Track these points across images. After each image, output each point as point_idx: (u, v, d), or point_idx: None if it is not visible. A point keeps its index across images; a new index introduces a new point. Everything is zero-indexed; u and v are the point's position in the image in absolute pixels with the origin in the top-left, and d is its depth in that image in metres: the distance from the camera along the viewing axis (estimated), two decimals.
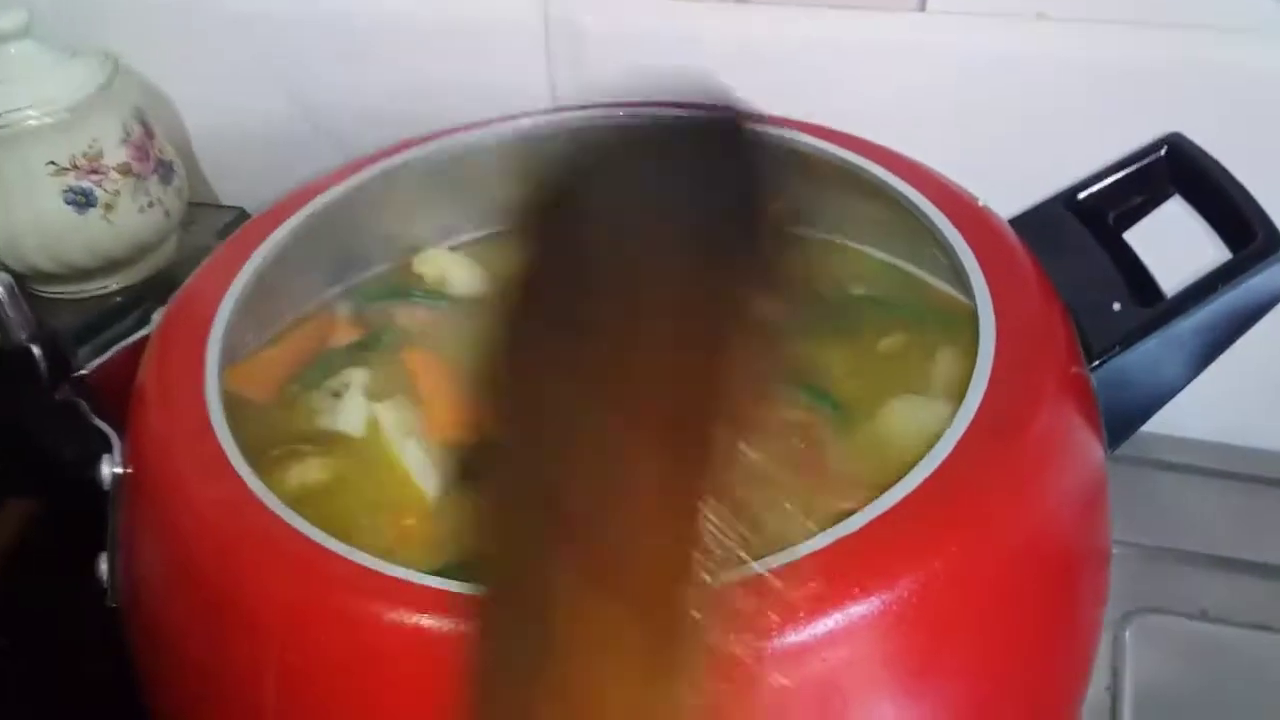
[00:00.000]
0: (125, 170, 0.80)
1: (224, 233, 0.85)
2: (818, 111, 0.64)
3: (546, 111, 0.69)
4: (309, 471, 0.54)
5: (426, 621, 0.41)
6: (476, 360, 0.33)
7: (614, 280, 0.32)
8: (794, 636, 0.40)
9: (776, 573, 0.41)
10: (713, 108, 0.34)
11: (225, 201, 0.95)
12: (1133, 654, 0.69)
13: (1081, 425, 0.51)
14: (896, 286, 0.64)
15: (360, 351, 0.61)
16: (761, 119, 0.34)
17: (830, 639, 0.41)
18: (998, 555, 0.45)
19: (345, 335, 0.63)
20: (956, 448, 0.46)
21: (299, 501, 0.51)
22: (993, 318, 0.51)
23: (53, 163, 0.77)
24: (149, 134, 0.82)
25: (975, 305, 0.53)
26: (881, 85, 0.74)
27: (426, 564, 0.48)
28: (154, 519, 0.49)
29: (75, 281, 0.82)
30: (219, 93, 0.90)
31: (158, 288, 0.80)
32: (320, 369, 0.60)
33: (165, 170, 0.83)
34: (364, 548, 0.46)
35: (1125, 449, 0.57)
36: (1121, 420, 0.55)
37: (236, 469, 0.47)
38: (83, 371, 0.61)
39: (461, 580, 0.44)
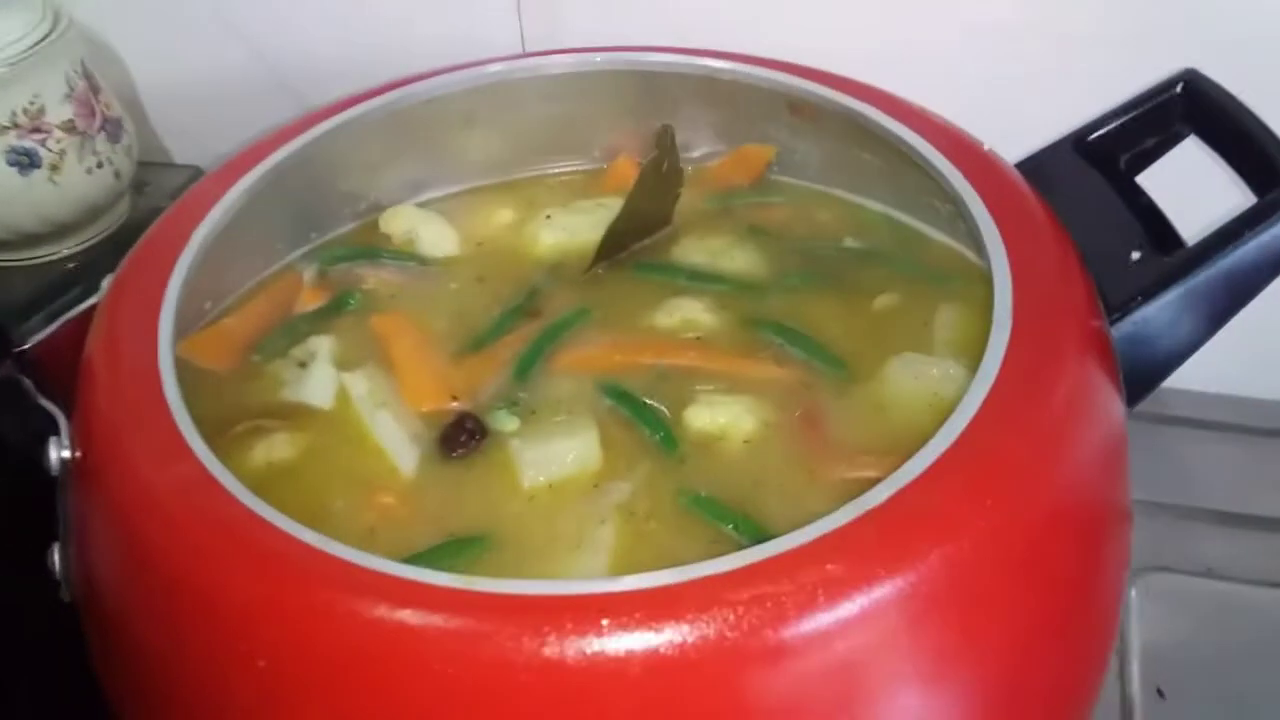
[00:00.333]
0: (70, 128, 0.77)
1: (179, 193, 0.80)
2: (807, 53, 0.62)
3: (518, 56, 0.66)
4: (275, 448, 0.52)
5: (402, 615, 0.38)
6: None
7: None
8: (810, 624, 0.38)
9: (790, 554, 0.38)
10: None
11: (180, 160, 0.92)
12: (1139, 613, 0.68)
13: (1105, 384, 0.48)
14: (893, 239, 0.62)
15: (326, 317, 0.59)
16: None
17: (851, 625, 0.38)
18: (1026, 527, 0.42)
19: (309, 300, 0.60)
20: (979, 412, 0.43)
21: (265, 482, 0.50)
22: (1008, 270, 0.49)
23: None
24: (94, 89, 0.79)
25: (987, 257, 0.50)
26: (874, 23, 0.72)
27: (408, 547, 0.46)
28: (106, 506, 0.46)
29: (22, 248, 0.79)
30: (170, 43, 0.87)
31: (112, 253, 0.76)
32: (284, 337, 0.58)
33: (113, 127, 0.80)
34: (340, 531, 0.44)
35: None
36: (1141, 377, 0.52)
37: (193, 449, 0.45)
38: (25, 346, 0.57)
39: (444, 567, 0.42)
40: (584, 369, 0.55)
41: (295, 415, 0.54)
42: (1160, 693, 0.63)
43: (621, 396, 0.53)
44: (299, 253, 0.63)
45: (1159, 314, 0.51)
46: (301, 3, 0.82)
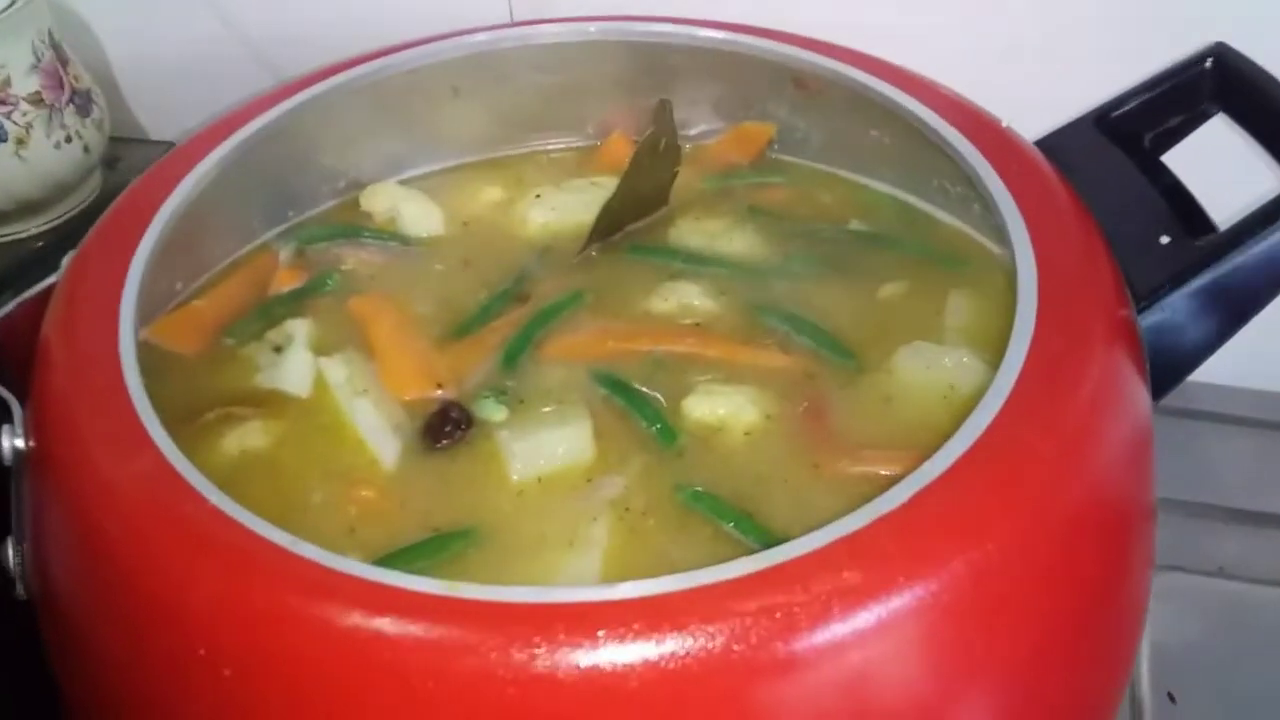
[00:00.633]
0: (36, 100, 0.76)
1: None
2: (812, 25, 0.61)
3: (506, 25, 0.65)
4: (247, 438, 0.50)
5: (378, 624, 0.37)
6: None
7: None
8: (824, 636, 0.36)
9: (802, 560, 0.37)
10: None
11: (154, 136, 0.91)
12: (1150, 614, 0.66)
13: (1133, 376, 0.46)
14: (900, 222, 0.60)
15: (303, 299, 0.58)
16: None
17: (867, 637, 0.36)
18: (1053, 530, 0.40)
19: (285, 281, 0.59)
20: (1003, 408, 0.41)
21: (236, 473, 0.49)
22: (1032, 256, 0.47)
23: None
24: (62, 59, 0.78)
25: (1007, 242, 0.49)
26: None
27: (388, 544, 0.46)
28: (60, 499, 0.44)
29: None
30: (144, 14, 0.85)
31: (82, 232, 0.75)
32: (258, 320, 0.56)
33: (82, 100, 0.79)
34: (316, 527, 0.43)
35: None
36: (1169, 369, 0.50)
37: (155, 439, 0.43)
38: None
39: (426, 565, 0.42)
40: (576, 356, 0.53)
41: (269, 402, 0.52)
42: (1171, 697, 0.62)
43: (616, 385, 0.51)
44: (275, 231, 0.61)
45: (1189, 302, 0.49)
46: None
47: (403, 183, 0.64)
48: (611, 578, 0.43)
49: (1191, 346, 0.51)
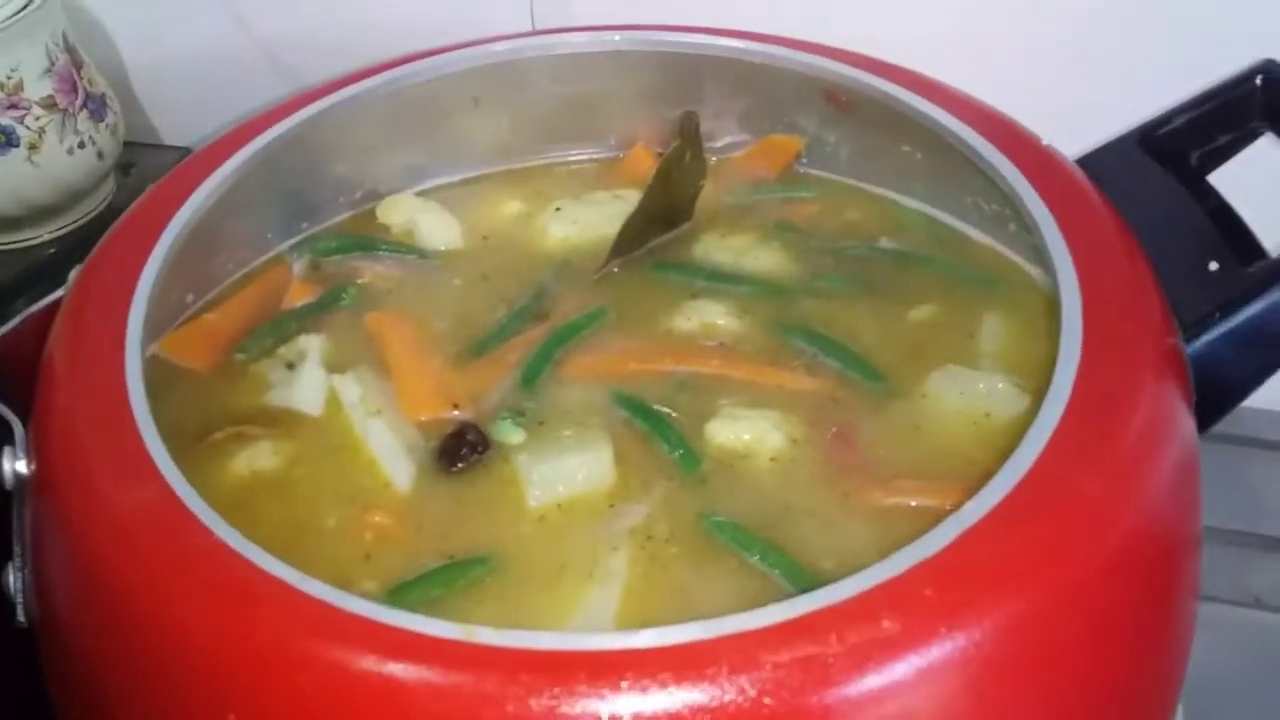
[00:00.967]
0: (50, 104, 0.76)
1: None
2: (843, 36, 0.60)
3: (528, 34, 0.64)
4: (258, 458, 0.50)
5: (390, 669, 0.36)
6: None
7: None
8: (860, 688, 0.34)
9: (838, 608, 0.35)
10: None
11: (169, 141, 0.91)
12: None
13: (1181, 410, 0.45)
14: (932, 241, 0.59)
15: (317, 314, 0.57)
16: None
17: (905, 689, 0.35)
18: (1100, 577, 0.38)
19: (299, 295, 0.58)
20: (1049, 443, 0.39)
21: (246, 495, 0.48)
22: (1075, 281, 0.46)
23: None
24: (76, 63, 0.78)
25: (1049, 266, 0.47)
26: (918, 3, 0.69)
27: (401, 571, 0.45)
28: (62, 526, 0.43)
29: None
30: (158, 18, 0.85)
31: (95, 238, 0.75)
32: (270, 335, 0.56)
33: (96, 105, 0.79)
34: (328, 553, 0.43)
35: None
36: (1214, 401, 0.48)
37: (159, 466, 0.42)
38: None
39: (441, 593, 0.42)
40: (596, 377, 0.52)
41: (281, 422, 0.51)
42: None
43: (637, 408, 0.50)
44: (289, 243, 0.61)
45: (1239, 331, 0.48)
46: None
47: (421, 194, 0.64)
48: (633, 610, 0.42)
49: (1240, 377, 0.49)
